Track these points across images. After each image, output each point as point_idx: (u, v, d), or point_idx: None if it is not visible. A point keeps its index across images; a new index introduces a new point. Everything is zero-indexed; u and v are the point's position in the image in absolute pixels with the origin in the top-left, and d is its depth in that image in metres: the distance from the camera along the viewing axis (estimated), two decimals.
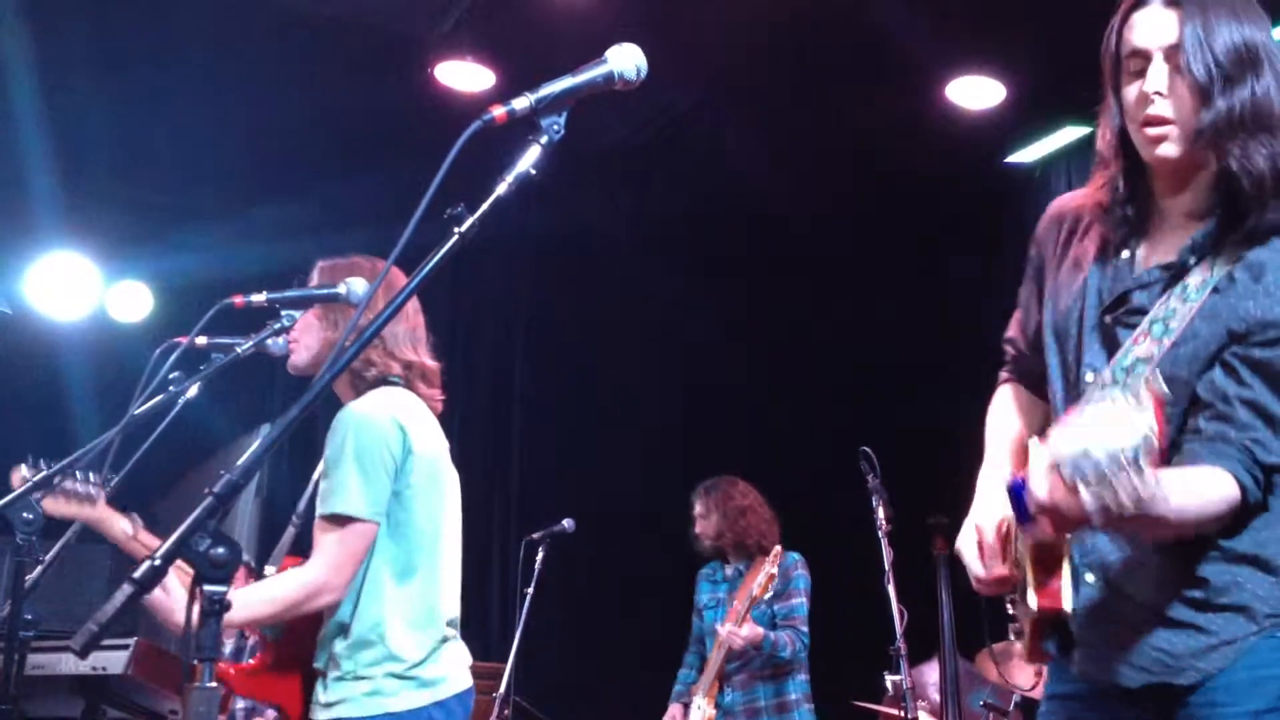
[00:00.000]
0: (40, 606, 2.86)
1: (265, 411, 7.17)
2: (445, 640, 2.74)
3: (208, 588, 1.47)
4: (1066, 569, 1.89)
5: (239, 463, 1.52)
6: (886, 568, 4.26)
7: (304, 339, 2.93)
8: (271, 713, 4.50)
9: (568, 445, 7.44)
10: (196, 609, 1.47)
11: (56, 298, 6.85)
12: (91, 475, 3.22)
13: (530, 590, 5.38)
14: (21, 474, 3.13)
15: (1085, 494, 1.53)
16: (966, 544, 2.02)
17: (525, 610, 5.35)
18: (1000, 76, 5.73)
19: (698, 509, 5.37)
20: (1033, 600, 1.86)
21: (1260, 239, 1.84)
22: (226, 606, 1.49)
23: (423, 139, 3.80)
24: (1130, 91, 1.89)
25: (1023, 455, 2.10)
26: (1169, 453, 1.75)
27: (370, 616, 2.65)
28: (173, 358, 3.06)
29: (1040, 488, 1.67)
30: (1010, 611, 2.02)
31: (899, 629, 4.20)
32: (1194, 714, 1.82)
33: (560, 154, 1.71)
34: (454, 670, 2.74)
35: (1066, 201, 2.13)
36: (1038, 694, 3.91)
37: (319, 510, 2.66)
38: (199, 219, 6.69)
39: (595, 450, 7.31)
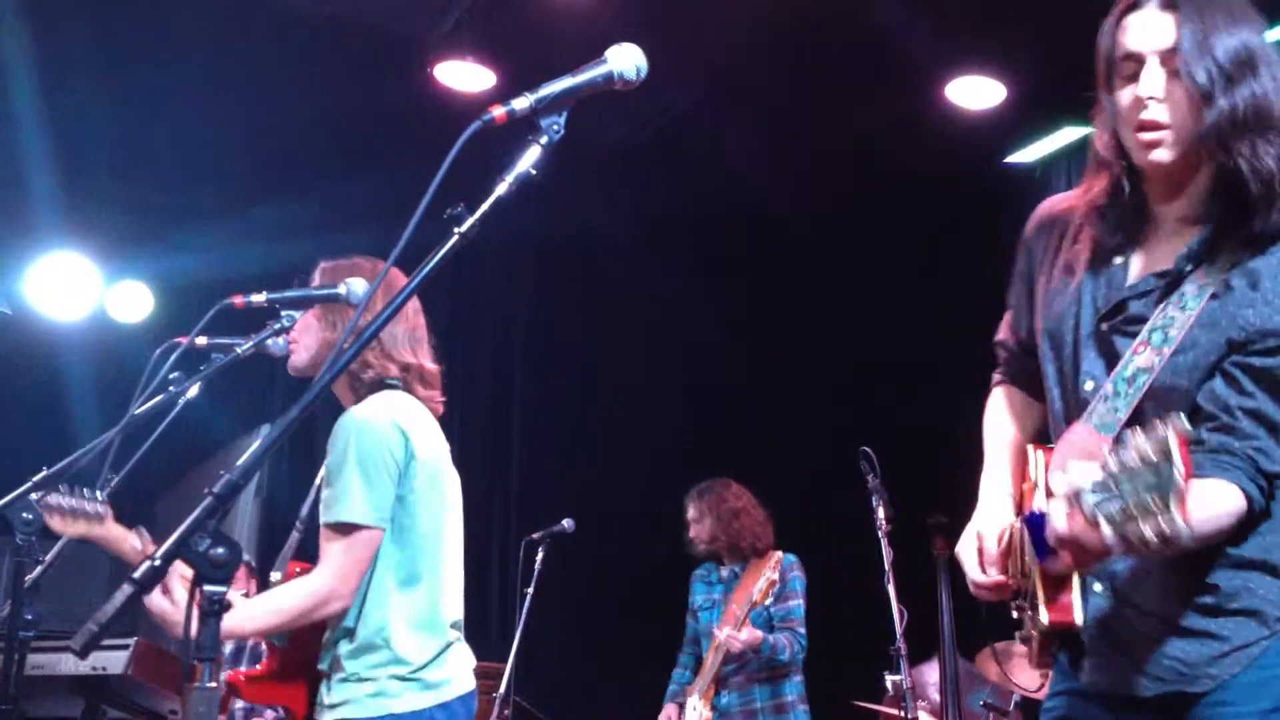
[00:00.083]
0: (40, 606, 2.86)
1: (265, 412, 7.17)
2: (450, 643, 2.75)
3: (207, 588, 1.47)
4: (1076, 582, 1.89)
5: (239, 463, 1.52)
6: (886, 568, 4.26)
7: (303, 339, 2.93)
8: (270, 713, 4.50)
9: (568, 445, 7.43)
10: (196, 609, 1.47)
11: (56, 298, 6.85)
12: (99, 494, 3.22)
13: (530, 590, 5.38)
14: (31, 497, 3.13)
15: (1106, 529, 1.53)
16: (966, 550, 2.02)
17: (525, 610, 5.34)
18: (1000, 76, 5.73)
19: (691, 513, 5.37)
20: (1044, 616, 1.86)
21: (1260, 245, 1.82)
22: (226, 606, 1.49)
23: (423, 139, 3.80)
24: (1124, 95, 1.87)
25: (1022, 461, 2.10)
26: None
27: (375, 621, 2.66)
28: (173, 358, 3.07)
29: (1060, 520, 1.67)
30: (1015, 616, 2.02)
31: (899, 629, 4.20)
32: (1203, 714, 1.82)
33: (560, 154, 1.71)
34: (458, 673, 2.75)
35: (1054, 204, 2.11)
36: (1041, 695, 3.90)
37: (323, 519, 2.66)
38: (199, 219, 6.69)
39: (595, 450, 7.31)
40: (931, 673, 4.84)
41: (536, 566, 5.44)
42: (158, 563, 1.44)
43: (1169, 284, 1.88)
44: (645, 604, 6.53)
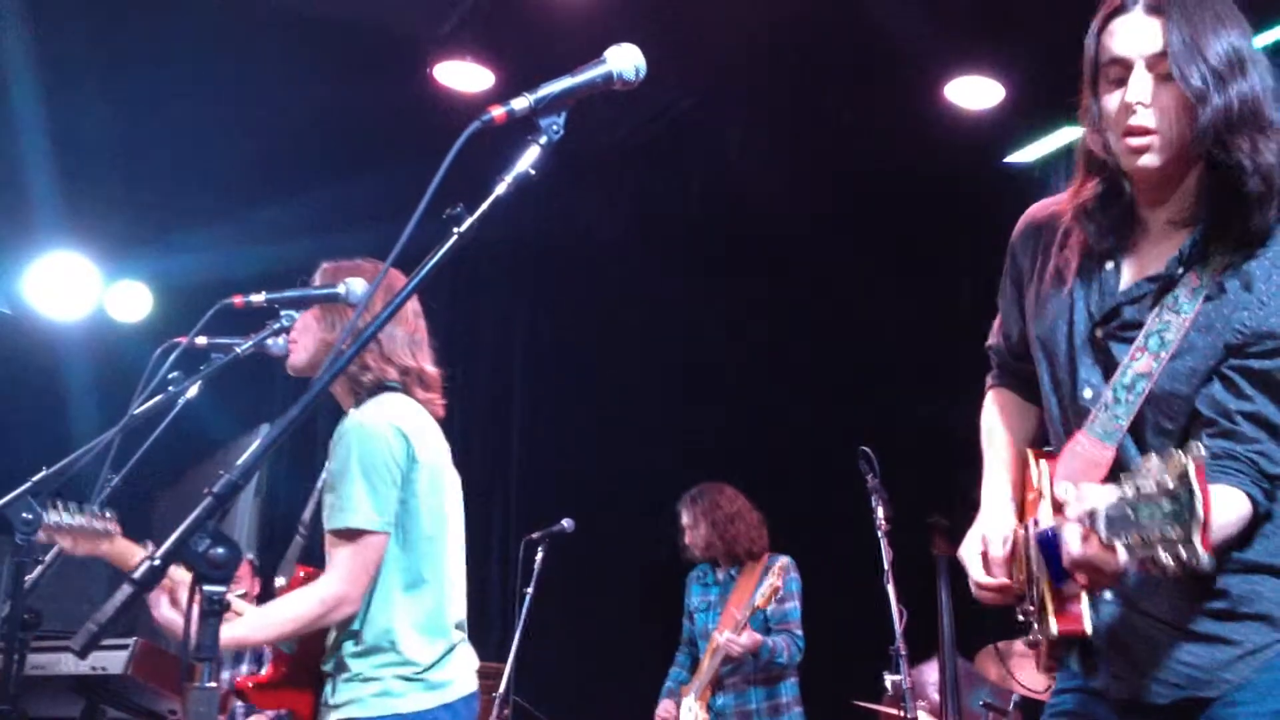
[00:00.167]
0: (40, 606, 2.86)
1: (265, 412, 7.16)
2: (454, 645, 2.77)
3: (207, 588, 1.47)
4: (1084, 592, 1.89)
5: (238, 463, 1.52)
6: (886, 568, 4.26)
7: (302, 340, 2.93)
8: (268, 714, 4.50)
9: (568, 445, 7.43)
10: (196, 609, 1.47)
11: (56, 298, 6.85)
12: (107, 512, 3.23)
13: (530, 590, 5.38)
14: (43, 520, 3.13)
15: (1124, 555, 1.54)
16: (970, 553, 2.02)
17: (525, 610, 5.34)
18: (1000, 76, 5.73)
19: (685, 519, 5.36)
20: (1054, 625, 1.85)
21: (1251, 245, 1.82)
22: (226, 606, 1.50)
23: (423, 139, 3.80)
24: (1111, 100, 1.87)
25: (1022, 465, 2.10)
26: None
27: (381, 623, 2.67)
28: (172, 358, 3.07)
29: (1075, 544, 1.67)
30: (1021, 620, 2.03)
31: (899, 629, 4.20)
32: (1216, 717, 1.83)
33: (560, 154, 1.71)
34: (461, 673, 2.77)
35: (1040, 209, 2.11)
36: (1047, 696, 3.90)
37: (328, 525, 2.67)
38: (199, 219, 6.69)
39: (595, 450, 7.30)
40: (931, 673, 4.84)
41: (536, 566, 5.44)
42: (157, 562, 1.44)
43: (1162, 288, 1.88)
44: (645, 604, 6.53)
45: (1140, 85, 1.82)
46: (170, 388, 3.13)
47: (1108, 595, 1.89)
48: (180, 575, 1.48)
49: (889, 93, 5.88)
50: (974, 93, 5.84)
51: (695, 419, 7.41)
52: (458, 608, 2.83)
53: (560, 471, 7.21)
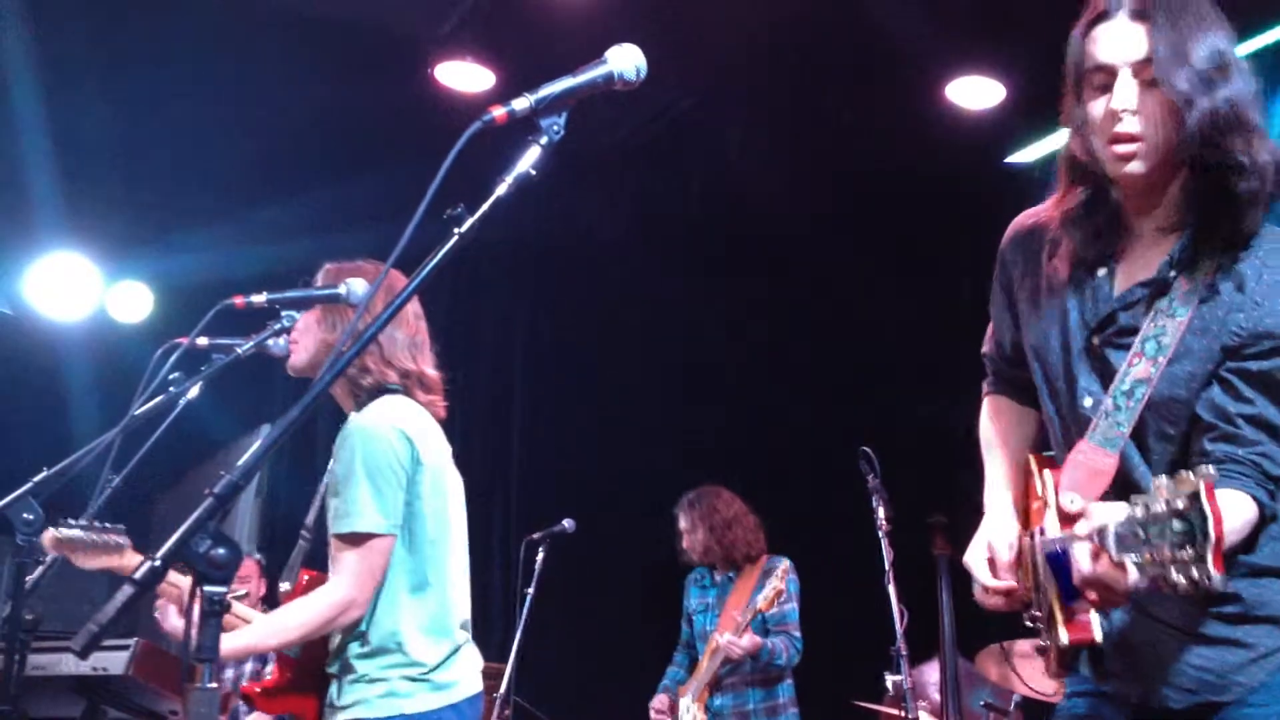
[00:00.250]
0: (41, 607, 2.86)
1: (266, 412, 7.16)
2: (459, 645, 2.78)
3: (208, 588, 1.47)
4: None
5: (239, 463, 1.52)
6: (887, 568, 4.26)
7: (303, 340, 2.94)
8: (270, 718, 4.50)
9: (568, 445, 7.43)
10: (196, 610, 1.47)
11: (57, 298, 6.84)
12: (120, 525, 3.23)
13: (531, 590, 5.38)
14: (53, 534, 3.13)
15: (1134, 574, 1.54)
16: (976, 558, 2.02)
17: (526, 610, 5.34)
18: (1000, 76, 5.72)
19: (683, 523, 5.35)
20: (1064, 635, 1.85)
21: (1240, 245, 1.82)
22: (227, 607, 1.49)
23: (423, 139, 3.80)
24: (1096, 107, 1.86)
25: (1024, 471, 2.10)
26: None
27: (387, 625, 2.68)
28: (173, 358, 3.07)
29: (1085, 562, 1.67)
30: (1029, 626, 2.03)
31: (899, 629, 4.20)
32: (1229, 718, 1.83)
33: (560, 154, 1.71)
34: (467, 674, 2.78)
35: (1028, 218, 2.11)
36: (1048, 697, 3.91)
37: (334, 529, 2.67)
38: (199, 219, 6.69)
39: (595, 450, 7.30)
40: (932, 673, 4.84)
41: (537, 567, 5.44)
42: (158, 563, 1.44)
43: (1155, 292, 1.88)
44: (645, 604, 6.53)
45: (1126, 92, 1.82)
46: (171, 388, 3.14)
47: None
48: (189, 584, 1.48)
49: (889, 93, 5.87)
50: (974, 93, 5.84)
51: (695, 419, 7.41)
52: (462, 608, 2.84)
53: (561, 472, 7.21)
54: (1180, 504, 1.47)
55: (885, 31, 5.23)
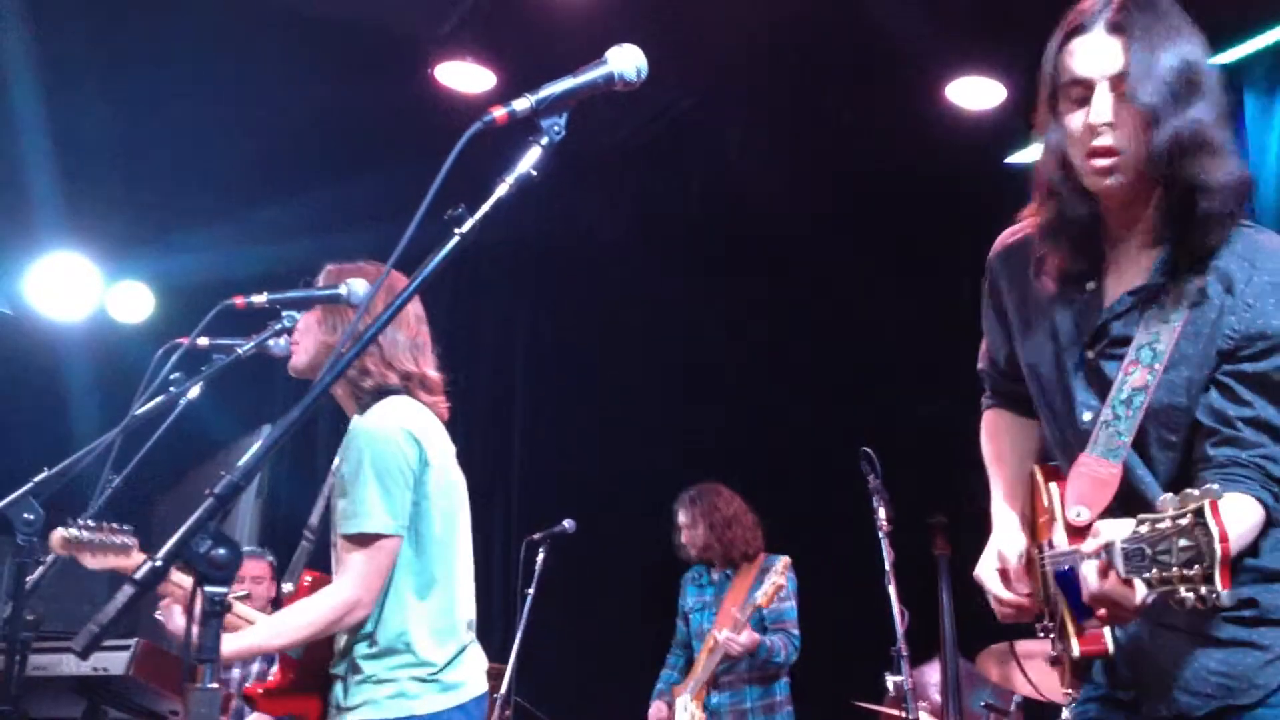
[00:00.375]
0: (41, 607, 2.86)
1: (266, 413, 7.16)
2: (465, 645, 2.79)
3: (208, 589, 1.47)
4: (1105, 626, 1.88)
5: (240, 464, 1.52)
6: (887, 568, 4.26)
7: (304, 341, 2.94)
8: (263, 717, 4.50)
9: (568, 446, 7.43)
10: (197, 610, 1.47)
11: (57, 298, 6.84)
12: (127, 526, 3.24)
13: (531, 591, 5.38)
14: (61, 535, 3.13)
15: (1143, 590, 1.55)
16: (988, 570, 2.03)
17: (526, 611, 5.34)
18: (1000, 76, 5.72)
19: (682, 519, 5.36)
20: (1075, 647, 1.86)
21: (1218, 250, 1.83)
22: (227, 607, 1.49)
23: (423, 140, 3.80)
24: (1074, 120, 1.86)
25: (1029, 482, 2.10)
26: (1181, 486, 1.75)
27: (394, 626, 2.69)
28: (174, 358, 3.07)
29: (1093, 579, 1.67)
30: (1041, 637, 2.03)
31: (900, 629, 4.19)
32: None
33: (561, 155, 1.70)
34: (473, 674, 2.79)
35: (1013, 234, 2.11)
36: (1048, 696, 3.91)
37: (341, 530, 2.68)
38: (199, 219, 6.69)
39: (595, 450, 7.30)
40: (932, 673, 4.84)
41: (537, 567, 5.44)
42: (159, 563, 1.44)
43: (1145, 299, 1.88)
44: (645, 604, 6.53)
45: (1104, 106, 1.82)
46: (171, 388, 3.14)
47: None
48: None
49: (889, 93, 5.87)
50: (974, 93, 5.84)
51: (695, 419, 7.41)
52: (467, 608, 2.85)
53: (561, 472, 7.21)
54: (1185, 521, 1.47)
55: (885, 31, 5.23)
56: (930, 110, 5.90)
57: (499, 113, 1.64)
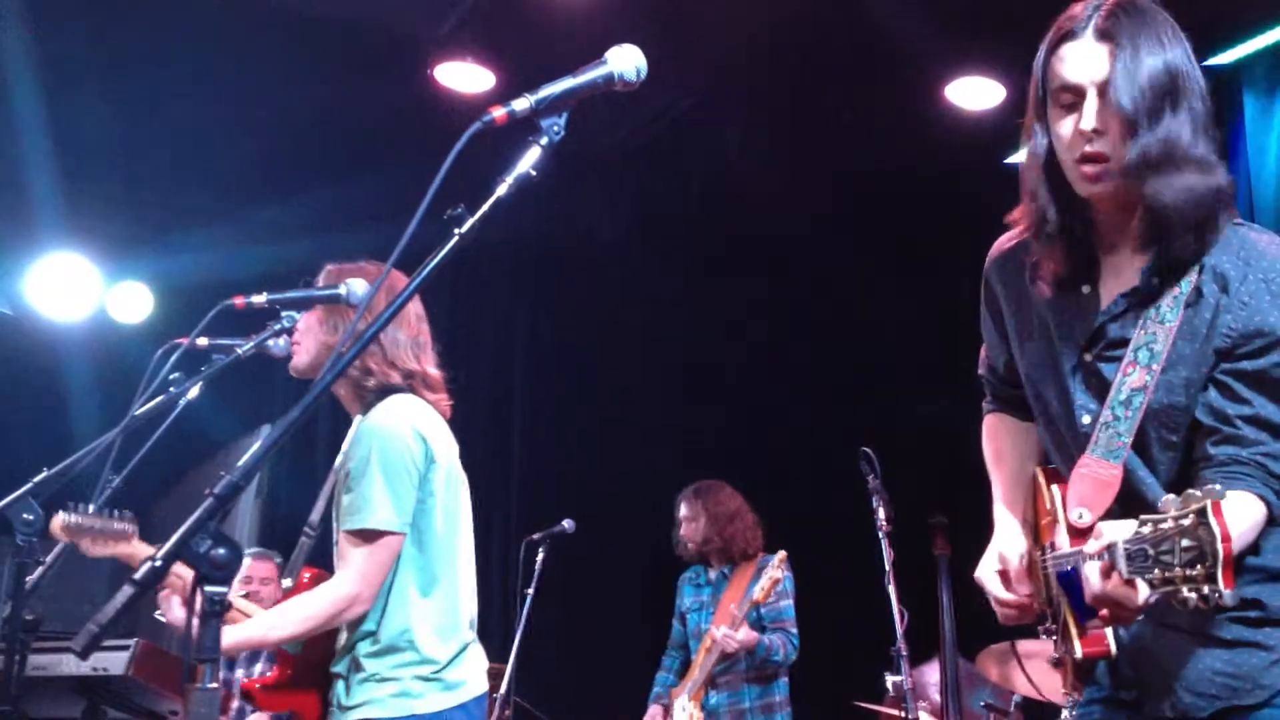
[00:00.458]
0: (41, 607, 2.86)
1: (266, 413, 7.16)
2: (468, 643, 2.80)
3: (208, 588, 1.47)
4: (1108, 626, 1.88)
5: (239, 464, 1.52)
6: (887, 568, 4.26)
7: (304, 342, 2.94)
8: (269, 715, 4.50)
9: (568, 446, 7.43)
10: (197, 610, 1.47)
11: (57, 299, 6.85)
12: (127, 513, 3.24)
13: (531, 591, 5.38)
14: (61, 520, 3.13)
15: (1145, 590, 1.55)
16: (988, 571, 2.03)
17: (526, 611, 5.34)
18: (1000, 77, 5.72)
19: (684, 511, 5.36)
20: (1078, 649, 1.86)
21: (1207, 250, 1.84)
22: (227, 607, 1.50)
23: (423, 139, 3.80)
24: (1064, 126, 1.87)
25: (1030, 485, 2.10)
26: (1183, 487, 1.75)
27: (397, 624, 2.69)
28: (173, 359, 3.08)
29: (1096, 580, 1.67)
30: (1043, 638, 2.03)
31: (900, 629, 4.19)
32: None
33: (560, 155, 1.70)
34: (474, 674, 2.79)
35: (1007, 240, 2.12)
36: (1057, 699, 3.90)
37: (345, 525, 2.68)
38: (199, 219, 6.69)
39: (595, 450, 7.30)
40: (932, 673, 4.84)
41: (537, 567, 5.44)
42: (159, 563, 1.44)
43: (1140, 300, 1.88)
44: (645, 604, 6.53)
45: (1094, 113, 1.83)
46: (171, 389, 3.14)
47: None
48: (192, 574, 1.48)
49: (889, 93, 5.87)
50: (974, 93, 5.84)
51: (695, 419, 7.42)
52: (470, 605, 2.86)
53: (561, 472, 7.21)
54: (1188, 521, 1.47)
55: (885, 31, 5.23)
56: (930, 110, 5.90)
57: (499, 113, 1.64)
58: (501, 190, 1.66)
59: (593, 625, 7.02)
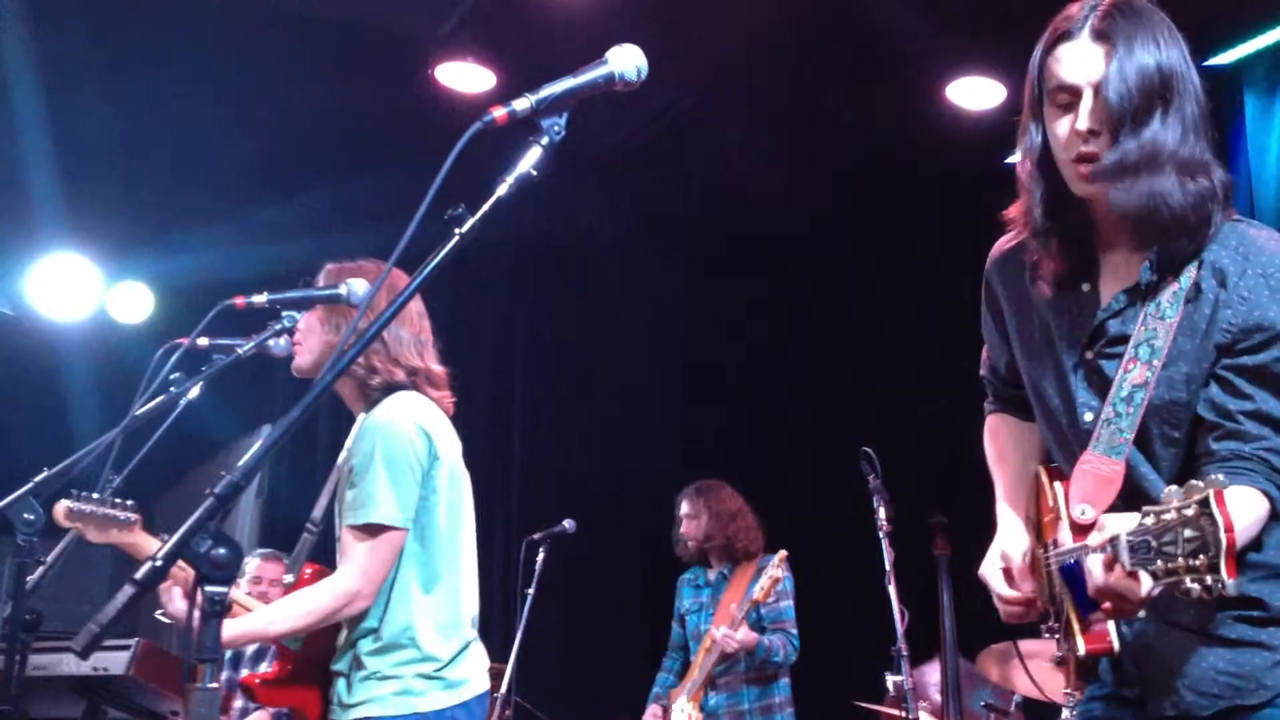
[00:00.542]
0: (41, 607, 2.87)
1: (266, 412, 7.17)
2: (469, 641, 2.80)
3: (209, 589, 1.47)
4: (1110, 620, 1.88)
5: (240, 463, 1.52)
6: (887, 568, 4.26)
7: (307, 342, 2.94)
8: (269, 711, 4.51)
9: (568, 446, 7.43)
10: (197, 610, 1.47)
11: (57, 299, 6.85)
12: (129, 501, 3.24)
13: (531, 591, 5.38)
14: (66, 506, 3.13)
15: (1148, 582, 1.55)
16: (991, 569, 2.03)
17: (526, 611, 5.34)
18: (1000, 76, 5.72)
19: (686, 509, 5.36)
20: (1081, 645, 1.85)
21: (1204, 247, 1.84)
22: (228, 607, 1.50)
23: (423, 139, 3.80)
24: (1060, 126, 1.87)
25: (1033, 484, 2.10)
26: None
27: (399, 621, 2.69)
28: (174, 358, 3.08)
29: (1098, 572, 1.67)
30: (1046, 637, 2.03)
31: (900, 629, 4.19)
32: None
33: (561, 155, 1.70)
34: (476, 672, 2.80)
35: (1006, 242, 2.12)
36: (1057, 699, 3.90)
37: (348, 520, 2.68)
38: (199, 219, 6.69)
39: (595, 450, 7.30)
40: (933, 673, 4.84)
41: (537, 567, 5.44)
42: (159, 563, 1.44)
43: (1140, 297, 1.89)
44: (645, 605, 6.53)
45: (1089, 113, 1.83)
46: (172, 388, 3.15)
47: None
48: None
49: (889, 93, 5.87)
50: (974, 93, 5.84)
51: (695, 419, 7.42)
52: (471, 603, 2.86)
53: (561, 472, 7.21)
54: (1190, 512, 1.47)
55: (885, 31, 5.23)
56: (930, 110, 5.90)
57: (499, 113, 1.64)
58: (502, 190, 1.66)
59: (593, 625, 7.03)
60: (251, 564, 5.09)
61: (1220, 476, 1.50)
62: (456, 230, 1.63)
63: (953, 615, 4.11)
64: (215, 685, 1.47)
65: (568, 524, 5.46)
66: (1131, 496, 1.83)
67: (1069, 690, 2.04)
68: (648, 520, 5.98)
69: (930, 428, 5.95)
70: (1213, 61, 5.33)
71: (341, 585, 2.64)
